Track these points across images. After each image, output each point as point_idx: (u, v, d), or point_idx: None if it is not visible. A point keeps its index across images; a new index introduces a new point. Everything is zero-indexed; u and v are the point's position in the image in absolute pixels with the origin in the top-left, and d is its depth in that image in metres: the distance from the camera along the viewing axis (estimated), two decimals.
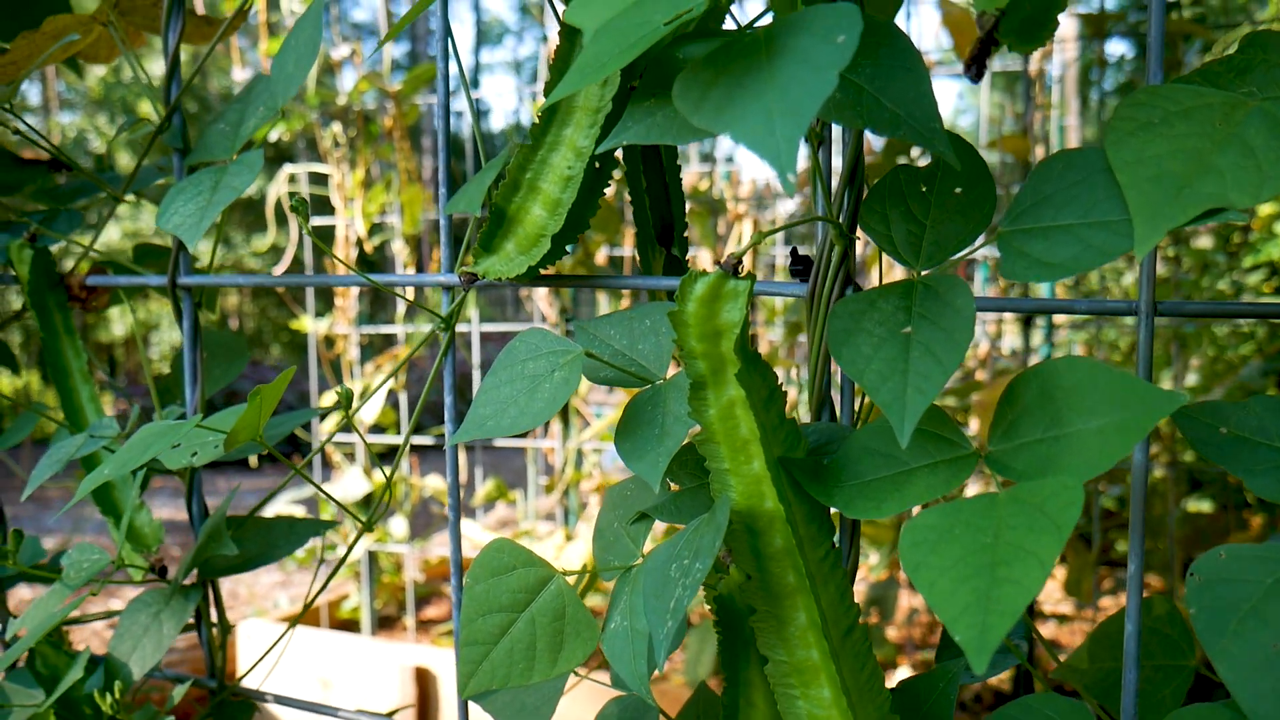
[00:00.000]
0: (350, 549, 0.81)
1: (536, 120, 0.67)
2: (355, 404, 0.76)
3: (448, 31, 0.74)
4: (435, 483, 3.23)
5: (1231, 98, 0.51)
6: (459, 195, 0.71)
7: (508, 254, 0.69)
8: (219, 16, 0.91)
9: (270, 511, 3.11)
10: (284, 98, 0.77)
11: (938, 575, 0.47)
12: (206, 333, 0.95)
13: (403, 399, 3.09)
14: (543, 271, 0.70)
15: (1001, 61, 3.30)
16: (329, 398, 3.08)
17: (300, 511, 3.43)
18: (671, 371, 0.65)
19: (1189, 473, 3.03)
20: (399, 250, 3.04)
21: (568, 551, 2.86)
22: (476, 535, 3.30)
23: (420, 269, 3.37)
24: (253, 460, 5.14)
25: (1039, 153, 2.75)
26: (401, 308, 3.06)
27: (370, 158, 3.08)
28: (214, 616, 0.90)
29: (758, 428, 0.56)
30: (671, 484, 0.65)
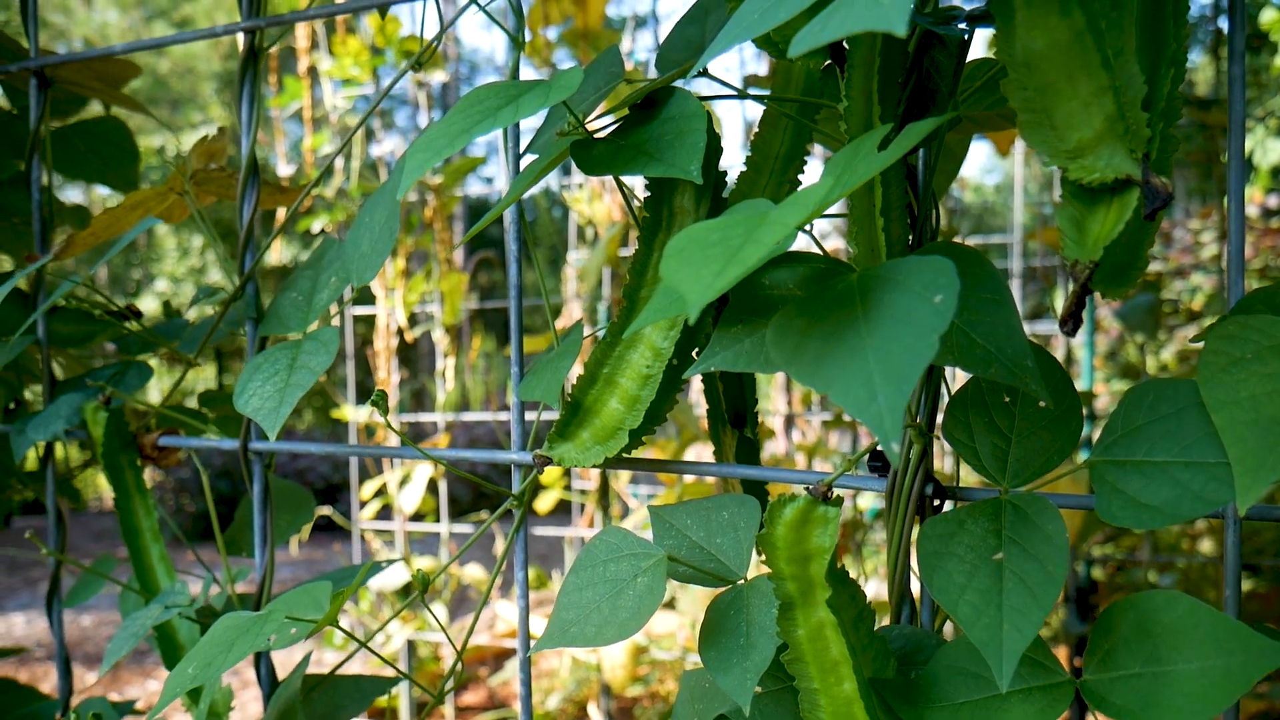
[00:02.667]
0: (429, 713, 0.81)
1: (614, 317, 0.68)
2: (396, 490, 0.77)
3: (521, 216, 0.76)
4: (473, 572, 3.22)
5: None
6: (533, 381, 0.72)
7: (583, 442, 0.70)
8: (293, 186, 0.93)
9: None
10: (359, 278, 0.78)
11: None
12: (273, 484, 0.96)
13: (442, 486, 3.10)
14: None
15: None
16: (370, 487, 3.09)
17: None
18: (752, 567, 0.65)
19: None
20: (439, 339, 3.06)
21: None
22: (515, 617, 3.29)
23: (459, 358, 3.40)
24: (293, 548, 5.16)
25: None
26: (441, 397, 3.09)
27: (410, 247, 3.13)
28: None
29: (848, 650, 0.55)
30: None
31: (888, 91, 0.59)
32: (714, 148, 0.62)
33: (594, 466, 0.70)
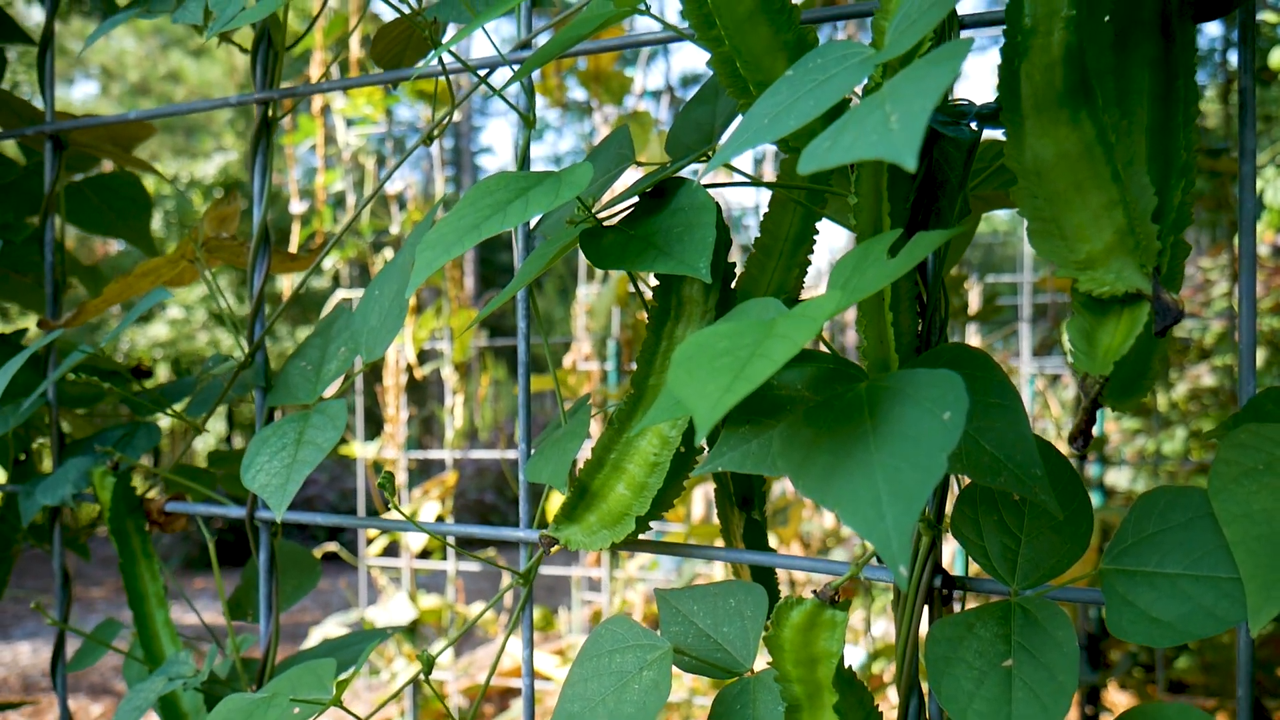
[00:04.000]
0: None
1: (622, 403, 0.68)
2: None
3: (531, 296, 0.76)
4: (478, 608, 3.21)
5: None
6: (540, 462, 0.72)
7: (590, 526, 0.69)
8: (303, 255, 0.93)
9: (319, 635, 3.11)
10: (368, 353, 0.78)
11: None
12: (279, 550, 0.96)
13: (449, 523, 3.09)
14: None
15: None
16: None
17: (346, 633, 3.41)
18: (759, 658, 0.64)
19: None
20: (448, 376, 3.07)
21: None
22: (520, 654, 3.27)
23: (469, 393, 3.40)
24: None
25: None
26: (450, 434, 3.09)
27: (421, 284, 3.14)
28: None
29: None
30: None
31: (897, 186, 0.59)
32: (723, 240, 0.62)
33: (601, 550, 0.70)
